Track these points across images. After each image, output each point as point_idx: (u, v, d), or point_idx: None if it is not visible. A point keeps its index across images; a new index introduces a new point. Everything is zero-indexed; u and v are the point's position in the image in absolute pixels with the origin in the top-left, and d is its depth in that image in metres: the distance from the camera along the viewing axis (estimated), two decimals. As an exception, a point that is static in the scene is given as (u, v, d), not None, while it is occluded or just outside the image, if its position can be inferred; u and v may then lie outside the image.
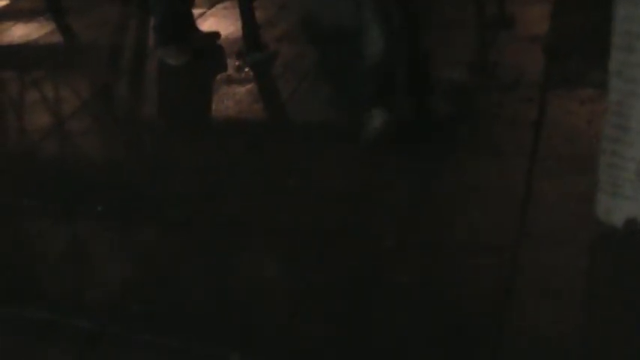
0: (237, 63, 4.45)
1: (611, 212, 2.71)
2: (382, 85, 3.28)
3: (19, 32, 5.58)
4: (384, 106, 3.31)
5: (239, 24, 4.60)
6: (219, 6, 5.43)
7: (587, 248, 2.71)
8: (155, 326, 2.57)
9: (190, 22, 4.69)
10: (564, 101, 3.57)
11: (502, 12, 4.52)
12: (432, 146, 3.36)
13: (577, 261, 2.63)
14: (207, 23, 5.06)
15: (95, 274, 2.88)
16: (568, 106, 3.52)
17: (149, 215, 3.17)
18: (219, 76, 4.36)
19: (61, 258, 3.01)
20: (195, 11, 4.90)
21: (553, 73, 3.84)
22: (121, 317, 2.63)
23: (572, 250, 2.68)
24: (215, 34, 4.80)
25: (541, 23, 3.09)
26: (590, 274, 2.60)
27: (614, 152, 2.61)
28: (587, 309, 2.49)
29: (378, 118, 3.31)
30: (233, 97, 4.08)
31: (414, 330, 2.43)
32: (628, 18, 2.41)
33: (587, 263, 2.65)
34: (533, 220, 2.85)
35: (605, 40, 2.53)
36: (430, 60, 3.40)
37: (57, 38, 5.32)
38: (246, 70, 4.38)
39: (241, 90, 4.15)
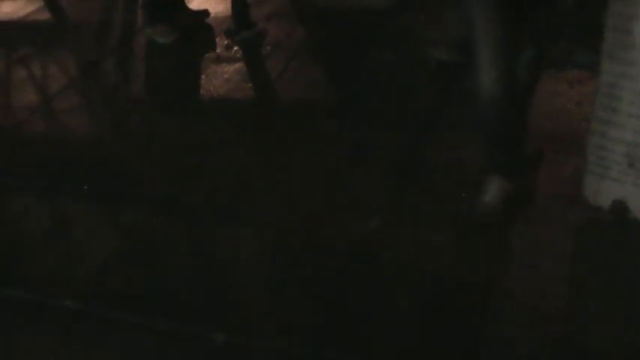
0: (226, 41, 4.42)
1: (599, 194, 2.71)
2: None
3: (7, 9, 5.51)
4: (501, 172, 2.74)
5: (228, 2, 4.56)
6: (208, -16, 5.39)
7: (574, 228, 2.72)
8: (139, 307, 2.57)
9: (179, 0, 4.66)
10: (553, 82, 3.56)
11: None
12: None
13: (563, 240, 2.65)
14: (196, 1, 5.02)
15: (80, 253, 2.86)
16: (556, 87, 3.52)
17: (136, 194, 3.15)
18: (207, 55, 4.33)
19: (44, 236, 2.99)
20: (184, -11, 4.87)
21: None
22: (105, 298, 2.63)
23: (559, 229, 2.69)
24: (204, 13, 4.77)
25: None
26: (575, 253, 2.62)
27: (604, 134, 2.62)
28: (571, 285, 2.51)
29: (495, 189, 2.73)
30: (222, 75, 4.06)
31: (404, 303, 2.46)
32: (620, -1, 2.41)
33: (574, 243, 2.66)
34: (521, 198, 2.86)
35: (594, 21, 2.53)
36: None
37: (45, 15, 5.25)
38: (235, 48, 4.35)
39: (230, 69, 4.13)
